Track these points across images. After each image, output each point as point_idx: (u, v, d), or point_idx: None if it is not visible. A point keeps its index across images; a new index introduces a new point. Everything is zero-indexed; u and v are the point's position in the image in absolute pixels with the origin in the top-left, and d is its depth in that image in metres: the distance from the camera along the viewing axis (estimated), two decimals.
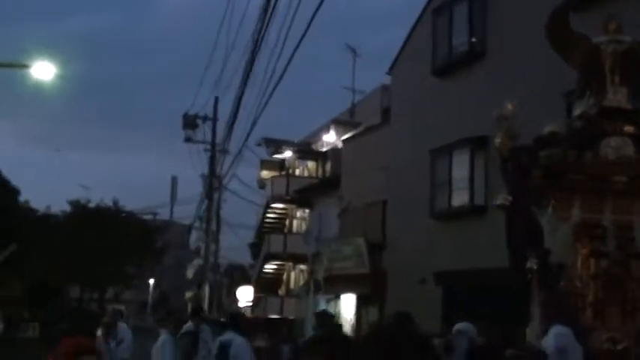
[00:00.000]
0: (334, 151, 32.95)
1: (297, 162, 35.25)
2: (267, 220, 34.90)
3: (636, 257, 6.10)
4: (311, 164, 34.86)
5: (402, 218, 20.08)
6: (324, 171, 33.24)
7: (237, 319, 9.76)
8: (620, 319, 6.07)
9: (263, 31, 12.70)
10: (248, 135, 21.20)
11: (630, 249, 6.11)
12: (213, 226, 29.12)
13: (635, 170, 6.06)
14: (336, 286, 23.16)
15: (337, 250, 22.84)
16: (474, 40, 18.22)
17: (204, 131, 28.84)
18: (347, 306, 23.28)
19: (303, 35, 10.78)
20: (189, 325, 10.35)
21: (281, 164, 35.91)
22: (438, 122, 19.02)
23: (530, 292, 6.42)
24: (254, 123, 18.27)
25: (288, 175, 34.39)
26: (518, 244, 6.43)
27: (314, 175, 34.05)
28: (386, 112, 27.94)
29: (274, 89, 14.86)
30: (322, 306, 24.23)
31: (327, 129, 34.41)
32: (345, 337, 6.20)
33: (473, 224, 17.89)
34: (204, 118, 28.52)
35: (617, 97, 6.30)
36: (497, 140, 6.54)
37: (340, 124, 33.81)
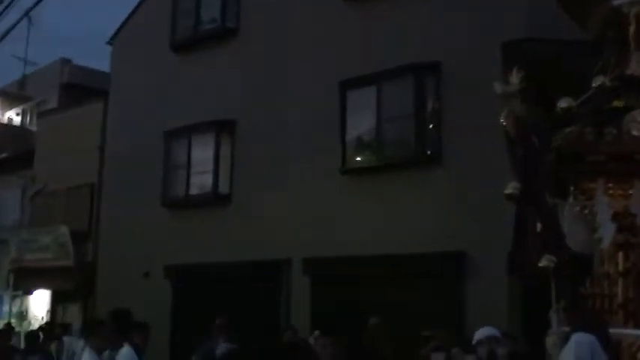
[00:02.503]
0: None
1: None
2: None
3: None
4: None
5: (122, 205, 18.06)
6: None
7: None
8: None
9: None
10: None
11: None
12: None
13: None
14: (27, 280, 20.26)
15: (31, 240, 20.04)
16: (225, 16, 16.89)
17: None
18: (39, 303, 20.44)
19: None
20: None
21: None
22: (175, 102, 17.46)
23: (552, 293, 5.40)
24: None
25: None
26: (530, 239, 5.36)
27: None
28: (67, 88, 25.42)
29: None
30: (6, 304, 21.06)
31: None
32: None
33: (215, 215, 16.62)
34: None
35: None
36: (503, 120, 5.40)
37: (6, 96, 30.41)
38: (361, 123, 14.54)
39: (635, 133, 5.38)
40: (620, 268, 5.43)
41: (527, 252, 5.51)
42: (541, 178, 5.49)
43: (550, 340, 5.40)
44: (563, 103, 5.54)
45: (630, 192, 5.43)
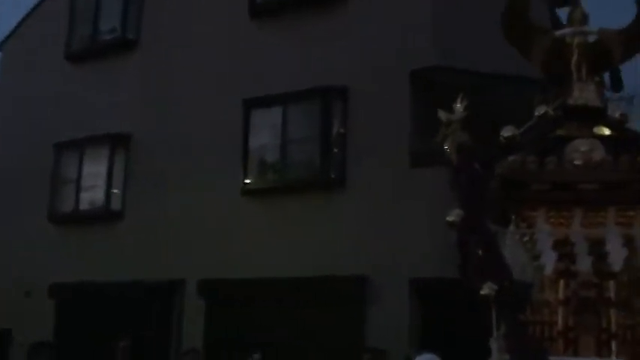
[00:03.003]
0: None
1: None
2: None
3: (611, 277, 5.41)
4: None
5: (5, 219, 17.27)
6: None
7: None
8: (595, 349, 5.34)
9: None
10: None
11: (604, 267, 5.41)
12: None
13: (606, 176, 5.35)
14: None
15: None
16: (126, 27, 16.48)
17: None
18: None
19: None
20: None
21: None
22: (68, 113, 16.93)
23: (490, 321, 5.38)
24: None
25: None
26: (472, 266, 5.33)
27: None
28: None
29: None
30: None
31: None
32: None
33: (105, 232, 16.09)
34: None
35: (583, 94, 5.58)
36: (446, 148, 5.39)
37: None
38: (265, 143, 14.41)
39: (577, 162, 5.41)
40: (561, 296, 5.44)
41: (469, 279, 5.46)
42: (483, 205, 5.46)
43: None
44: (506, 132, 5.54)
45: (571, 221, 5.46)
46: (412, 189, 12.96)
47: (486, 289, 5.33)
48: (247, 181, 14.26)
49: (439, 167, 13.52)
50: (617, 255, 5.37)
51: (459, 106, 5.65)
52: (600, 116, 5.61)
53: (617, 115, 5.51)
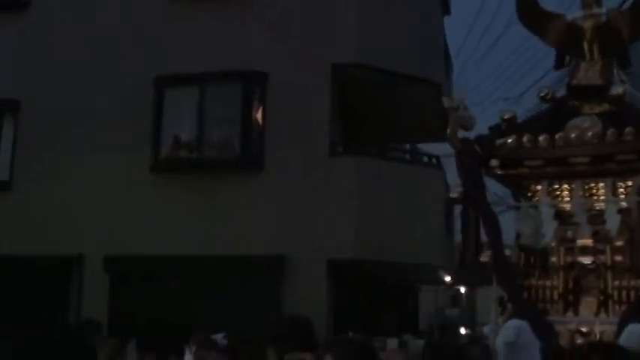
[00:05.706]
0: None
1: None
2: None
3: (607, 242, 5.85)
4: None
5: None
6: None
7: None
8: (594, 310, 5.77)
9: None
10: None
11: (602, 234, 5.85)
12: None
13: (596, 150, 5.74)
14: None
15: None
16: None
17: None
18: None
19: None
20: None
21: None
22: None
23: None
24: None
25: None
26: (472, 237, 5.71)
27: None
28: None
29: None
30: None
31: None
32: None
33: None
34: None
35: (588, 74, 6.02)
36: (449, 131, 5.90)
37: None
38: (179, 121, 14.20)
39: (572, 138, 5.81)
40: (562, 262, 5.86)
41: (470, 249, 5.79)
42: (483, 182, 5.83)
43: (488, 329, 5.78)
44: (506, 114, 5.94)
45: (570, 192, 5.89)
46: (330, 176, 13.23)
47: (485, 257, 5.74)
48: (159, 158, 13.98)
49: (357, 156, 13.96)
50: (612, 222, 5.83)
51: (458, 93, 6.01)
52: (603, 93, 5.99)
53: (617, 91, 5.91)
